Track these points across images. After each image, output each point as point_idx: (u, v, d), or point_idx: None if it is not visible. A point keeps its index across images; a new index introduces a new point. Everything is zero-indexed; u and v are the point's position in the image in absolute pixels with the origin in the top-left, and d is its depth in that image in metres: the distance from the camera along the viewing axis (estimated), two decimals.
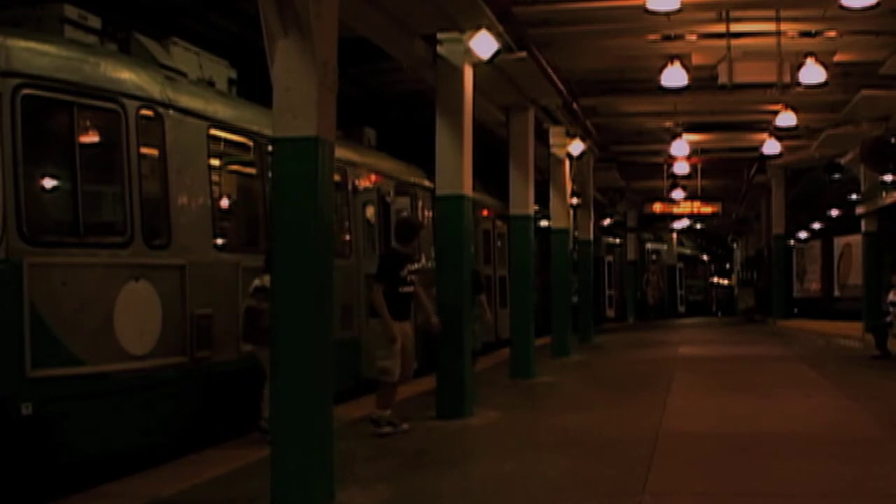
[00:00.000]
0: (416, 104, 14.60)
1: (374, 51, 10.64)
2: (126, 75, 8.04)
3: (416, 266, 8.87)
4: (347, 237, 12.21)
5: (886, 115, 17.09)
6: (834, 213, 33.11)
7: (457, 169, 9.95)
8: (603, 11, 11.62)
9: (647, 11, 10.61)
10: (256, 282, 8.45)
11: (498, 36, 10.19)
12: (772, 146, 19.57)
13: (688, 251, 49.61)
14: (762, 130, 19.30)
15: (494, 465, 7.39)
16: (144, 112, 8.12)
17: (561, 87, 14.07)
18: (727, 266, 56.66)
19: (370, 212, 12.93)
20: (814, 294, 30.60)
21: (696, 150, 22.01)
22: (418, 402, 10.69)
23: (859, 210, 22.79)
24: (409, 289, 8.73)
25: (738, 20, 11.99)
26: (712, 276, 54.52)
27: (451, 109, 10.01)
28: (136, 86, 8.09)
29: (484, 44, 9.99)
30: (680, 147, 20.13)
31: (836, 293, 28.31)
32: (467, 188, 9.99)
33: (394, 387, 8.67)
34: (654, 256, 42.48)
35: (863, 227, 22.78)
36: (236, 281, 9.17)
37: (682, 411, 10.07)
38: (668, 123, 19.76)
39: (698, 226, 39.14)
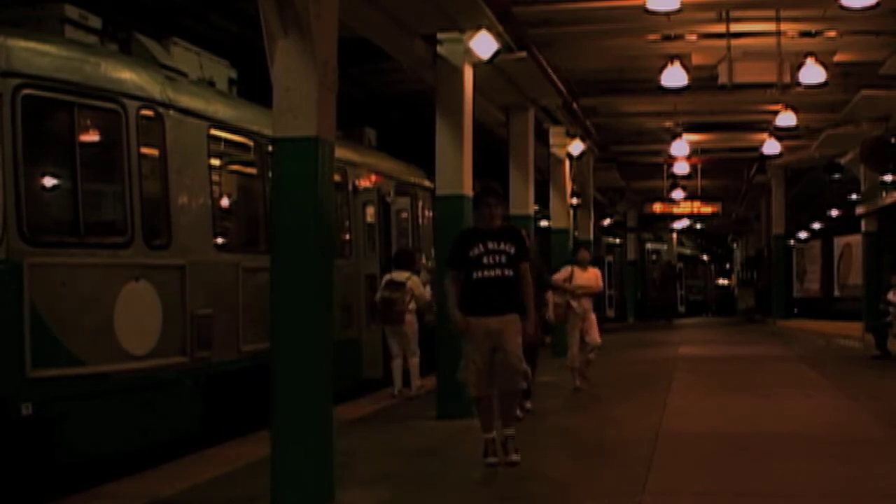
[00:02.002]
0: (416, 104, 14.61)
1: (374, 51, 10.65)
2: (126, 75, 8.03)
3: (499, 245, 6.92)
4: (347, 237, 12.22)
5: (886, 115, 17.10)
6: (834, 213, 33.11)
7: (457, 169, 9.95)
8: (603, 11, 11.62)
9: (647, 11, 10.61)
10: (387, 276, 11.19)
11: (498, 36, 10.19)
12: (772, 146, 19.58)
13: (688, 251, 49.61)
14: (762, 130, 19.31)
15: None
16: (145, 112, 8.12)
17: (561, 87, 14.08)
18: (727, 266, 56.66)
19: (370, 212, 12.93)
20: (814, 294, 30.58)
21: (696, 150, 22.02)
22: (418, 403, 10.70)
23: (859, 210, 22.79)
24: (490, 273, 6.88)
25: (738, 20, 11.99)
26: (712, 276, 54.50)
27: (451, 109, 10.01)
28: (136, 86, 8.09)
29: (484, 44, 9.99)
30: (680, 147, 20.14)
31: (836, 293, 28.31)
32: (467, 188, 9.99)
33: (479, 402, 7.04)
34: (654, 256, 42.46)
35: (863, 227, 22.79)
36: (236, 281, 9.18)
37: (682, 411, 10.07)
38: (668, 123, 19.77)
39: (698, 226, 39.13)
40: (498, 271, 6.89)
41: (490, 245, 6.92)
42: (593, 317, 12.10)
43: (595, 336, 12.06)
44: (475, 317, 6.88)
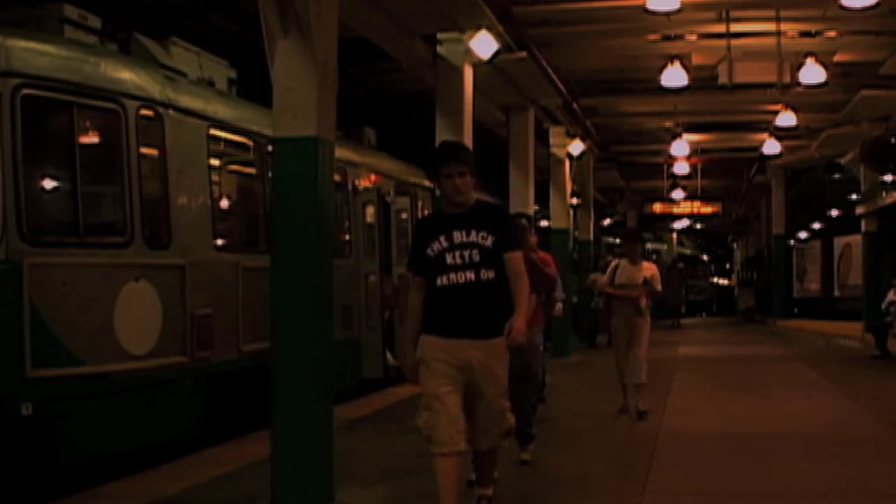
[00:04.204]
0: (416, 104, 14.61)
1: (374, 51, 10.66)
2: (126, 75, 8.03)
3: (469, 235, 4.92)
4: (347, 237, 12.21)
5: (886, 115, 17.11)
6: (834, 213, 33.11)
7: None
8: (603, 11, 11.63)
9: (647, 11, 10.62)
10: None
11: (498, 36, 10.20)
12: (772, 146, 19.60)
13: (688, 251, 49.61)
14: (762, 130, 19.32)
15: None
16: (144, 112, 8.11)
17: (561, 87, 14.09)
18: (727, 266, 56.67)
19: (370, 212, 12.93)
20: (814, 294, 30.59)
21: (696, 150, 22.04)
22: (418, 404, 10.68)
23: (859, 210, 22.81)
24: (459, 277, 4.87)
25: (738, 20, 12.00)
26: (712, 275, 54.45)
27: (451, 109, 10.01)
28: (136, 86, 8.08)
29: (484, 44, 10.00)
30: (680, 147, 20.15)
31: (836, 293, 28.32)
32: None
33: (439, 460, 4.89)
34: (654, 256, 42.47)
35: (863, 227, 22.81)
36: (236, 281, 9.17)
37: (682, 411, 10.08)
38: (668, 123, 19.79)
39: (698, 226, 39.12)
40: (470, 274, 4.87)
41: (457, 236, 4.91)
42: (644, 327, 9.61)
43: (642, 352, 9.52)
44: (440, 338, 4.90)
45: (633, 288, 9.45)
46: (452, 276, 4.90)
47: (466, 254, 4.90)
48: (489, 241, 4.92)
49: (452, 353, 4.86)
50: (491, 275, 4.91)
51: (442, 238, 4.94)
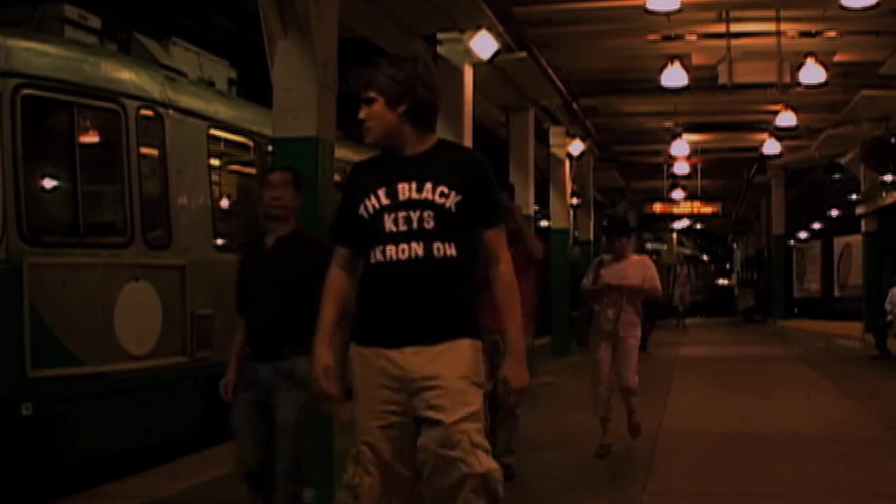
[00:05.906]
0: None
1: (374, 51, 10.65)
2: (126, 75, 8.03)
3: (422, 189, 3.23)
4: None
5: (886, 115, 17.11)
6: (834, 213, 33.13)
7: None
8: (603, 11, 11.63)
9: (647, 11, 10.61)
10: None
11: (498, 36, 10.21)
12: (772, 146, 19.60)
13: (688, 251, 49.62)
14: (762, 130, 19.32)
15: None
16: (145, 112, 8.11)
17: (561, 87, 14.09)
18: (727, 266, 56.70)
19: None
20: (814, 294, 30.61)
21: (696, 150, 22.03)
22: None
23: (859, 210, 22.82)
24: (401, 253, 3.21)
25: (738, 20, 12.00)
26: (713, 276, 54.43)
27: (450, 109, 10.01)
28: (136, 86, 8.08)
29: (484, 44, 10.00)
30: (680, 147, 20.15)
31: (836, 293, 28.34)
32: None
33: None
34: (654, 256, 42.43)
35: (863, 227, 22.82)
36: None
37: (682, 411, 10.08)
38: (668, 123, 19.77)
39: (698, 226, 39.11)
40: (417, 247, 3.22)
41: (402, 190, 3.26)
42: (632, 341, 7.55)
43: (630, 373, 7.57)
44: (372, 349, 3.28)
45: (622, 287, 7.46)
46: (391, 249, 3.23)
47: (414, 217, 3.22)
48: (451, 202, 3.23)
49: (392, 373, 3.23)
50: (451, 251, 3.23)
51: (381, 192, 3.26)
